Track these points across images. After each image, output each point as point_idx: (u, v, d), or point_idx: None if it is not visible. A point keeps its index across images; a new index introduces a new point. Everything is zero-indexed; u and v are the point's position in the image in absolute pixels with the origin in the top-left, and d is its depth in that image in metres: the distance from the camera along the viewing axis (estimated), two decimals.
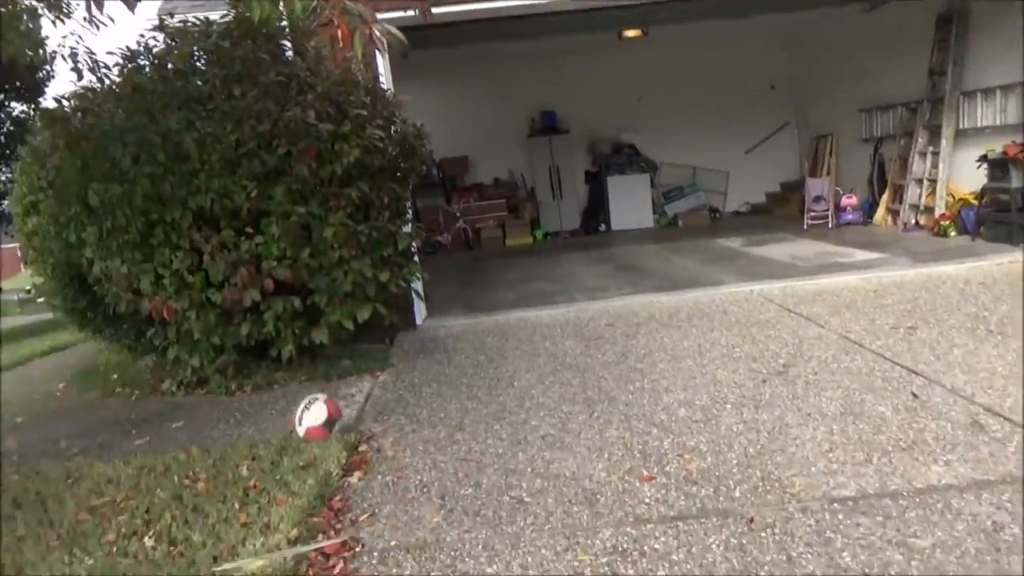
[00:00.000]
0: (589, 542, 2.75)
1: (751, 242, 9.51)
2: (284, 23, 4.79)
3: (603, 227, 12.91)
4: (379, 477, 3.52)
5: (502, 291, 7.89)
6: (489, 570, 2.65)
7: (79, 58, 4.74)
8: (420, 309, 6.68)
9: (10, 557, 3.00)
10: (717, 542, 2.64)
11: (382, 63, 6.08)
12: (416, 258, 5.80)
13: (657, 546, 2.66)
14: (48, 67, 12.83)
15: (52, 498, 3.56)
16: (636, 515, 2.89)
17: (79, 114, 5.00)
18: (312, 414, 4.01)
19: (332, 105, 4.81)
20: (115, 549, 2.95)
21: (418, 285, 6.31)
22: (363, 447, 3.90)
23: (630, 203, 12.62)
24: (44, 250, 6.10)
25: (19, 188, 6.74)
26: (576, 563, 2.62)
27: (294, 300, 5.03)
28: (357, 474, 3.56)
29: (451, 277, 9.29)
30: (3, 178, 13.55)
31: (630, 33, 9.76)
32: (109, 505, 3.39)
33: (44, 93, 13.56)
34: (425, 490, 3.34)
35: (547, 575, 2.58)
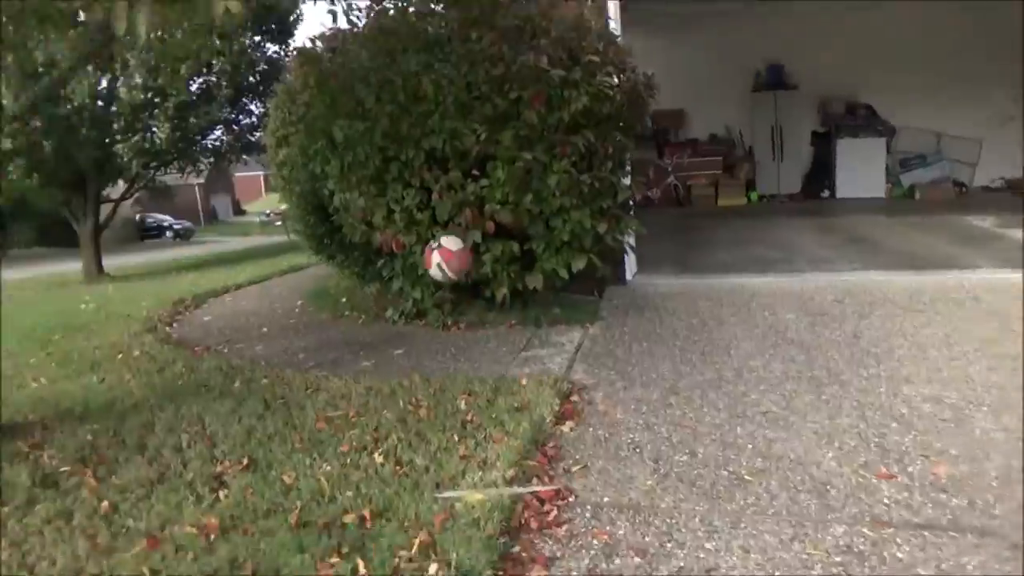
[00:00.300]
0: (819, 536, 2.54)
1: (1008, 223, 8.34)
2: None
3: (826, 193, 11.95)
4: (590, 430, 3.49)
5: (716, 252, 7.55)
6: (708, 545, 2.54)
7: (336, 1, 5.02)
8: (631, 264, 6.56)
9: (262, 450, 3.33)
10: (974, 564, 2.34)
11: (613, 8, 5.90)
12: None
13: (900, 555, 2.41)
14: (298, 11, 13.93)
15: (295, 404, 3.91)
16: (873, 515, 2.63)
17: (329, 54, 5.30)
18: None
19: (564, 50, 4.74)
20: (348, 460, 3.17)
21: (630, 239, 6.18)
22: (574, 397, 3.90)
23: (861, 169, 11.54)
24: (291, 180, 6.68)
25: (272, 122, 7.41)
26: (804, 556, 2.44)
27: (513, 244, 5.10)
28: (569, 424, 3.56)
29: (660, 234, 9.02)
30: (258, 112, 14.98)
31: None
32: (343, 418, 3.66)
33: (294, 35, 14.79)
34: (637, 451, 3.27)
35: (773, 561, 2.42)
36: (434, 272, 4.98)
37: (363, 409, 3.78)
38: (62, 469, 3.25)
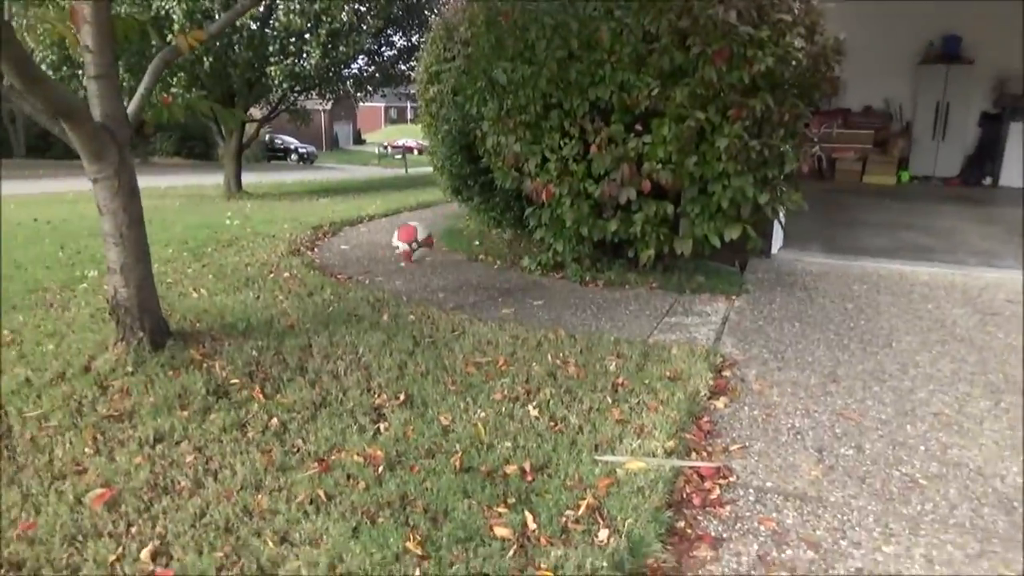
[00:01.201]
0: (1010, 555, 2.36)
1: None
2: None
3: (988, 180, 11.05)
4: (746, 409, 3.37)
5: (868, 235, 7.12)
6: (886, 548, 2.41)
7: None
8: (778, 238, 6.28)
9: (416, 387, 3.39)
10: None
11: None
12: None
13: None
14: None
15: (443, 345, 3.96)
16: None
17: None
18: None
19: (755, 5, 4.46)
20: (503, 410, 3.18)
21: (782, 212, 5.90)
22: (726, 372, 3.77)
23: None
24: (440, 117, 6.69)
25: (426, 57, 7.44)
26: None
27: (667, 205, 4.95)
28: (723, 399, 3.45)
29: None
30: (400, 45, 15.15)
31: None
32: (492, 365, 3.68)
33: None
34: (798, 437, 3.13)
35: None
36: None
37: (511, 359, 3.78)
38: (232, 381, 3.41)
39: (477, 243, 6.79)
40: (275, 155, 38.61)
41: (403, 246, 5.33)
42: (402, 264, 6.12)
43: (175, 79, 12.44)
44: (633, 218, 5.00)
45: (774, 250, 6.23)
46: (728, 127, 4.61)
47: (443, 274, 5.79)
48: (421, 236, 5.33)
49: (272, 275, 5.62)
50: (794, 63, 4.58)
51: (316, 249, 6.97)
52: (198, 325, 4.23)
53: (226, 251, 6.75)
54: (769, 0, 4.57)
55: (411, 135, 45.13)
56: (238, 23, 11.71)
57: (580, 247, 5.39)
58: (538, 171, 5.17)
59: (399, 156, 34.10)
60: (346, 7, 11.81)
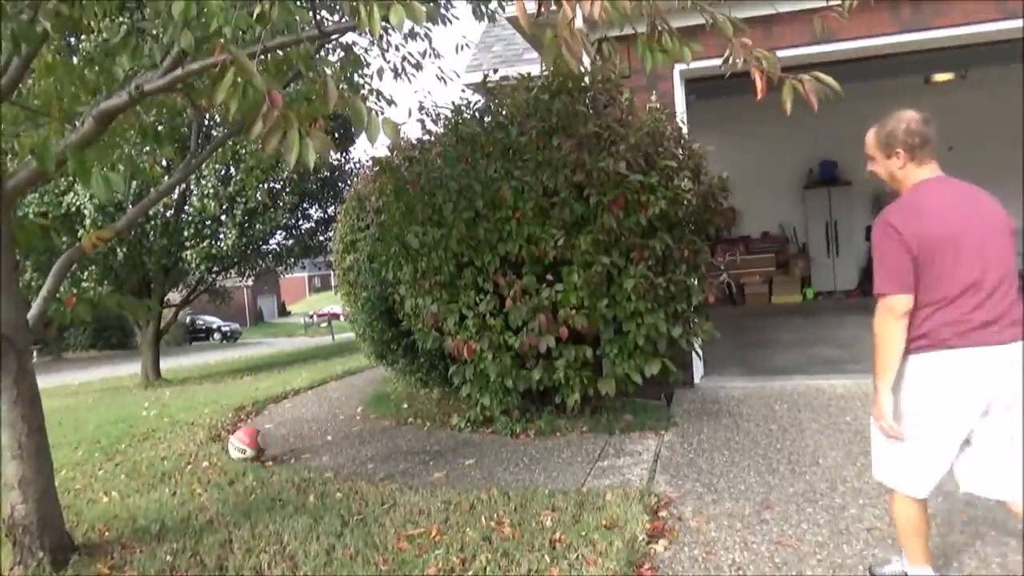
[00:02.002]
0: None
1: None
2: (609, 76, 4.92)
3: None
4: (686, 550, 3.31)
5: (781, 353, 7.37)
6: None
7: (426, 111, 5.22)
8: (698, 367, 6.43)
9: (345, 572, 3.20)
10: None
11: (681, 110, 6.03)
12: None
13: None
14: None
15: (373, 521, 3.80)
16: None
17: (406, 163, 5.46)
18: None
19: (642, 155, 4.81)
20: None
21: (697, 342, 6.09)
22: (663, 512, 3.72)
23: None
24: (358, 284, 6.78)
25: (341, 228, 7.62)
26: None
27: (586, 349, 5.04)
28: (662, 542, 3.38)
29: (720, 333, 8.89)
30: (316, 217, 15.52)
31: (940, 78, 8.83)
32: (425, 537, 3.53)
33: (354, 142, 15.40)
34: (740, 572, 3.07)
35: None
36: (234, 454, 5.43)
37: (444, 526, 3.65)
38: None
39: (405, 406, 6.69)
40: (197, 336, 37.87)
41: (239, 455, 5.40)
42: (328, 437, 5.95)
43: (86, 273, 12.28)
44: (555, 365, 5.05)
45: (696, 379, 6.35)
46: (633, 268, 4.82)
47: (372, 442, 5.64)
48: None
49: (190, 466, 5.36)
50: (685, 203, 4.90)
51: (238, 431, 6.71)
52: (107, 534, 3.95)
53: (141, 446, 6.43)
54: (654, 149, 4.93)
55: (337, 302, 45.42)
56: (151, 211, 11.82)
57: (507, 399, 5.37)
58: (457, 329, 5.22)
59: (325, 324, 34.01)
60: (260, 188, 12.11)
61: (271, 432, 6.49)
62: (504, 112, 5.47)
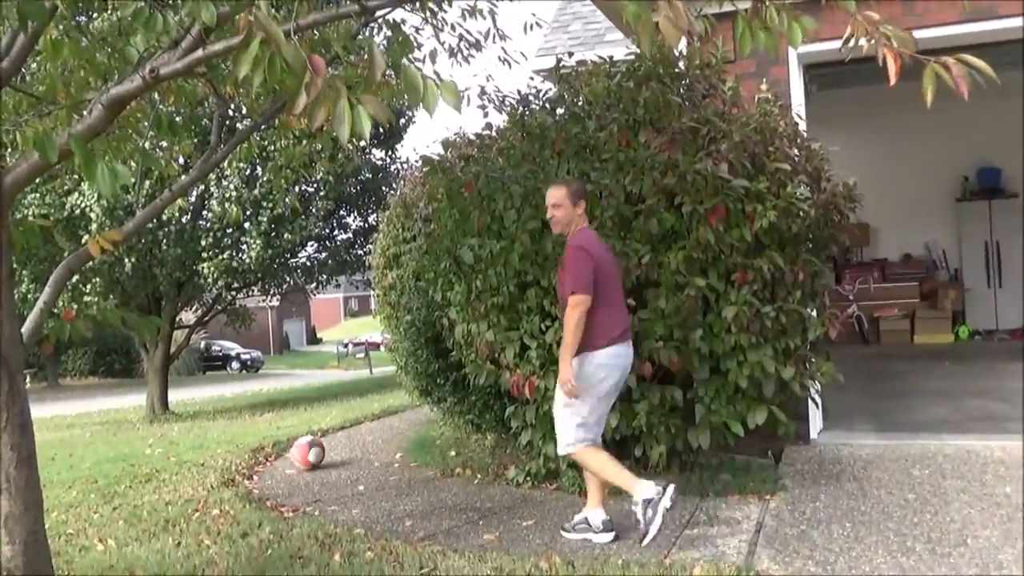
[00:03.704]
0: None
1: None
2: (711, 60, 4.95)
3: None
4: None
5: (923, 405, 7.16)
6: None
7: (487, 96, 5.35)
8: (815, 419, 6.31)
9: None
10: None
11: (798, 101, 5.99)
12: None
13: None
14: (410, 112, 14.94)
15: None
16: None
17: (462, 162, 5.57)
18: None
19: (748, 156, 4.80)
20: None
21: (814, 387, 5.99)
22: None
23: None
24: (400, 306, 6.91)
25: (383, 239, 7.82)
26: None
27: (674, 391, 5.02)
28: None
29: (847, 378, 8.69)
30: (355, 227, 15.91)
31: None
32: None
33: (402, 139, 15.81)
34: None
35: None
36: None
37: None
38: None
39: (453, 453, 6.76)
40: (212, 364, 39.02)
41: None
42: (360, 487, 6.06)
43: (89, 286, 12.86)
44: (636, 408, 5.03)
45: (813, 433, 6.24)
46: (735, 293, 4.79)
47: (411, 495, 5.72)
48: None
49: (198, 514, 5.53)
50: (801, 215, 4.85)
51: (255, 477, 6.90)
52: None
53: (143, 488, 6.67)
54: (763, 148, 4.91)
55: (376, 328, 46.14)
56: (165, 215, 12.32)
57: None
58: (518, 361, 5.26)
59: (361, 355, 34.58)
60: (290, 190, 12.50)
61: (293, 477, 6.65)
62: (580, 102, 5.54)
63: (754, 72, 5.86)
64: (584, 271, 4.22)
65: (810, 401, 5.90)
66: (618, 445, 5.45)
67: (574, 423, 4.36)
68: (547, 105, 5.64)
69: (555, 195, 4.40)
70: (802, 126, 5.57)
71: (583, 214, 4.43)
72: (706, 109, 5.00)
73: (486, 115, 5.68)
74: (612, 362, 4.34)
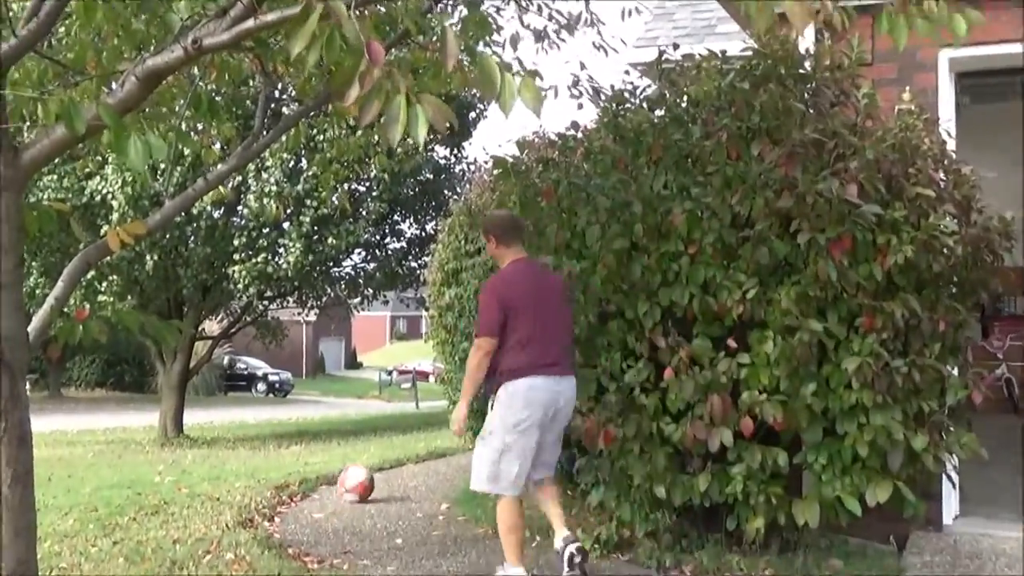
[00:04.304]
0: None
1: None
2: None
3: None
4: None
5: None
6: None
7: (580, 87, 5.39)
8: (951, 501, 6.12)
9: None
10: None
11: (947, 113, 5.86)
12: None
13: None
14: (482, 105, 15.09)
15: None
16: None
17: (540, 166, 5.60)
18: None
19: (883, 178, 4.71)
20: None
21: (951, 461, 5.82)
22: None
23: None
24: (458, 331, 6.95)
25: (441, 251, 7.88)
26: None
27: (778, 454, 4.93)
28: None
29: (991, 453, 8.43)
30: (410, 234, 16.09)
31: None
32: None
33: (471, 135, 15.95)
34: None
35: None
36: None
37: None
38: None
39: None
40: (235, 384, 39.71)
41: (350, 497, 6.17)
42: (398, 540, 6.08)
43: (105, 284, 13.23)
44: (731, 472, 4.96)
45: (947, 519, 6.05)
46: (858, 341, 4.68)
47: (456, 554, 5.73)
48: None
49: (209, 556, 5.62)
50: (945, 251, 4.73)
51: (277, 519, 6.99)
52: None
53: (149, 521, 6.80)
54: (903, 170, 4.81)
55: (427, 355, 46.36)
56: (195, 209, 12.62)
57: (656, 515, 5.32)
58: (592, 405, 5.24)
59: (408, 385, 34.85)
60: (339, 188, 12.69)
61: (320, 523, 6.71)
62: (684, 103, 5.52)
63: (895, 79, 5.75)
64: (487, 314, 4.87)
65: (945, 479, 5.73)
66: (708, 514, 5.39)
67: (487, 460, 4.89)
68: (645, 105, 5.62)
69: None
70: (951, 145, 5.43)
71: (509, 248, 4.99)
72: (834, 119, 4.91)
73: (580, 107, 5.70)
74: (529, 395, 4.79)
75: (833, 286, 4.71)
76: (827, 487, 4.92)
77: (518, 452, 4.80)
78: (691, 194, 4.97)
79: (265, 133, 4.70)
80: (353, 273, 16.09)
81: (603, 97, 5.69)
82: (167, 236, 13.05)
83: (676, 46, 5.93)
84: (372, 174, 13.99)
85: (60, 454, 12.18)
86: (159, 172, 12.32)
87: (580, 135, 5.80)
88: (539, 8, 5.66)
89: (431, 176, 15.44)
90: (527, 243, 5.48)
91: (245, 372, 40.81)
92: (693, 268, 4.93)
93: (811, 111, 5.09)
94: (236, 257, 13.76)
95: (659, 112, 5.57)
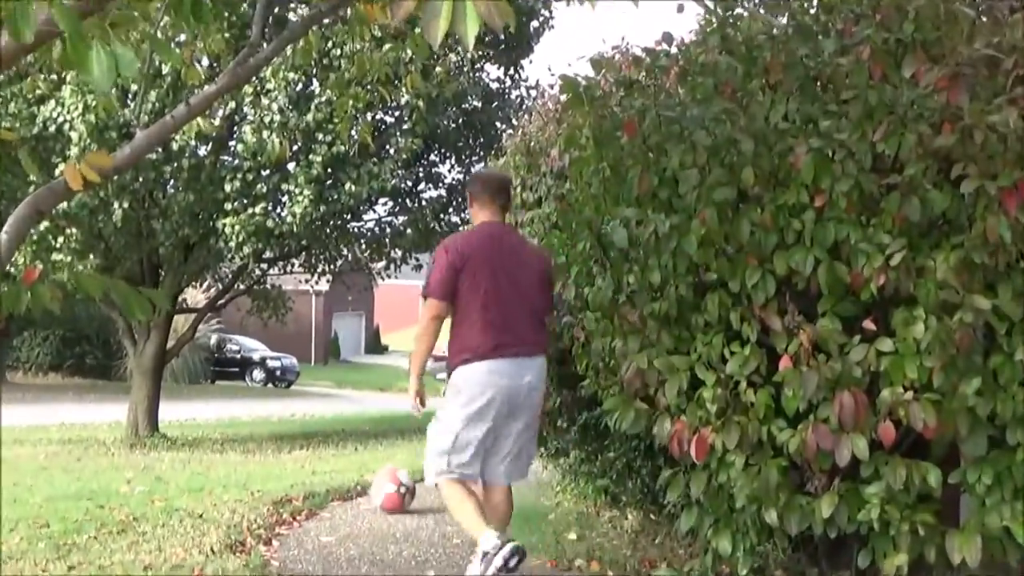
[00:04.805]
0: None
1: None
2: None
3: None
4: None
5: None
6: None
7: None
8: None
9: None
10: None
11: None
12: None
13: None
14: (546, 11, 14.95)
15: None
16: None
17: (621, 90, 5.56)
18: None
19: None
20: None
21: None
22: None
23: None
24: None
25: None
26: None
27: (928, 470, 4.86)
28: None
29: None
30: (451, 179, 16.03)
31: None
32: None
33: (532, 50, 15.78)
34: None
35: None
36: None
37: None
38: None
39: (573, 537, 6.77)
40: (225, 371, 40.02)
41: (389, 488, 6.86)
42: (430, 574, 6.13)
43: (61, 238, 13.36)
44: (865, 493, 4.90)
45: None
46: None
47: None
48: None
49: None
50: None
51: (275, 542, 7.07)
52: None
53: (114, 542, 6.90)
54: None
55: None
56: (175, 143, 12.66)
57: (764, 547, 5.30)
58: (683, 402, 5.20)
59: (445, 375, 34.92)
60: (359, 119, 12.53)
61: (331, 550, 6.78)
62: (814, 8, 5.43)
63: None
64: (436, 273, 5.50)
65: None
66: (834, 547, 5.35)
67: (439, 449, 5.59)
68: (762, 10, 5.55)
69: None
70: None
71: (483, 210, 5.74)
72: (1015, 30, 4.81)
73: (681, 9, 5.61)
74: (486, 381, 5.44)
75: (1007, 250, 4.63)
76: (992, 514, 4.85)
77: (469, 444, 5.51)
78: (819, 128, 4.88)
79: (265, 45, 4.70)
80: (377, 229, 16.03)
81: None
82: (139, 179, 13.10)
83: None
84: (403, 100, 13.86)
85: (5, 456, 12.39)
86: (129, 95, 12.45)
87: (674, 50, 5.74)
88: None
89: (479, 104, 15.31)
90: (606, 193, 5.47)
91: (238, 356, 41.10)
92: (820, 226, 4.85)
93: (983, 19, 4.98)
94: (227, 207, 13.71)
95: (780, 20, 5.48)
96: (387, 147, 14.39)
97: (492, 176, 6.00)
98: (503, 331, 5.39)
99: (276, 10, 11.54)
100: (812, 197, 4.89)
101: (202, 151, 13.76)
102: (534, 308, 5.65)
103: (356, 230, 15.67)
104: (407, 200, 15.85)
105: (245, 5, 11.06)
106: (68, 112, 12.36)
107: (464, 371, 5.43)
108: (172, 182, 13.63)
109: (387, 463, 8.99)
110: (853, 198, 4.84)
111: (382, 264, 17.37)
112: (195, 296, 17.58)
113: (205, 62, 11.10)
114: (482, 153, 15.43)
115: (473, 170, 15.88)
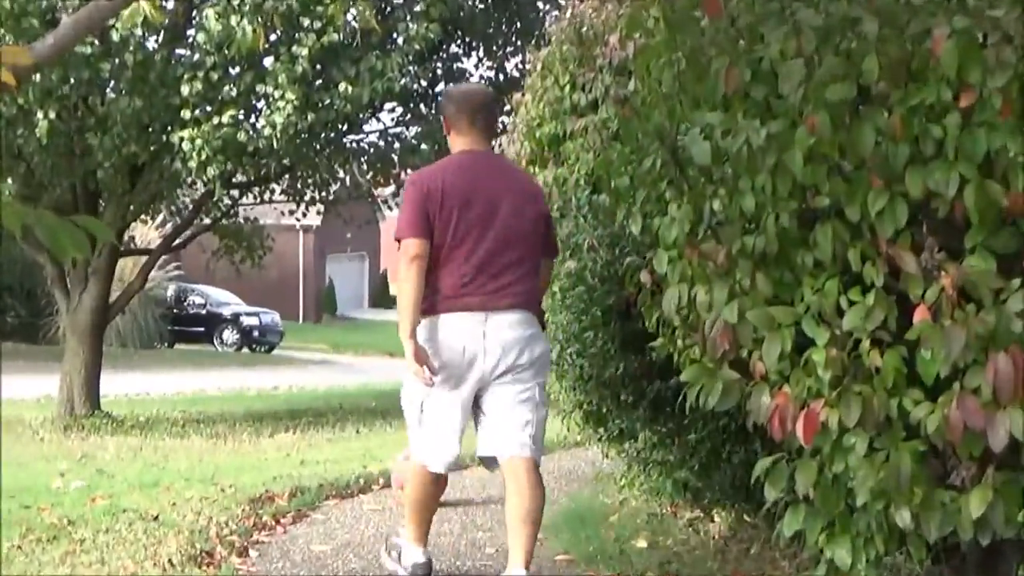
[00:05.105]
0: None
1: None
2: None
3: None
4: None
5: None
6: None
7: None
8: None
9: None
10: None
11: None
12: None
13: None
14: None
15: None
16: None
17: None
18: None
19: None
20: None
21: None
22: None
23: None
24: (559, 241, 6.93)
25: (531, 106, 7.82)
26: None
27: None
28: None
29: None
30: (478, 76, 15.97)
31: None
32: None
33: None
34: None
35: None
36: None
37: None
38: None
39: (643, 544, 6.78)
40: (187, 331, 40.19)
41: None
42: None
43: None
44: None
45: None
46: None
47: None
48: None
49: None
50: None
51: (253, 552, 7.10)
52: None
53: (44, 552, 6.94)
54: None
55: None
56: (115, 34, 12.60)
57: (895, 556, 5.31)
58: (786, 368, 5.20)
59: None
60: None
61: (326, 562, 6.81)
62: None
63: None
64: (407, 209, 5.80)
65: None
66: (987, 557, 5.35)
67: (413, 422, 5.98)
68: None
69: None
70: None
71: (460, 135, 6.02)
72: None
73: None
74: (455, 336, 5.72)
75: None
76: None
77: (441, 414, 5.80)
78: (966, 3, 4.83)
79: None
80: (382, 144, 16.00)
81: None
82: (70, 80, 13.11)
83: None
84: None
85: None
86: None
87: None
88: None
89: None
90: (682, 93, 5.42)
91: (203, 312, 41.32)
92: (967, 133, 4.82)
93: None
94: (185, 116, 13.68)
95: None
96: (394, 35, 14.32)
97: (469, 93, 6.32)
98: (481, 277, 5.70)
99: None
100: (956, 96, 4.84)
101: (151, 43, 13.72)
102: (526, 252, 5.91)
103: (355, 145, 15.63)
104: (420, 105, 15.79)
105: None
106: None
107: (428, 323, 5.70)
108: (112, 84, 13.61)
109: (402, 448, 8.96)
110: (1011, 96, 4.79)
111: (389, 190, 17.32)
112: (146, 234, 17.64)
113: None
114: (518, 42, 15.32)
115: (506, 65, 15.88)
